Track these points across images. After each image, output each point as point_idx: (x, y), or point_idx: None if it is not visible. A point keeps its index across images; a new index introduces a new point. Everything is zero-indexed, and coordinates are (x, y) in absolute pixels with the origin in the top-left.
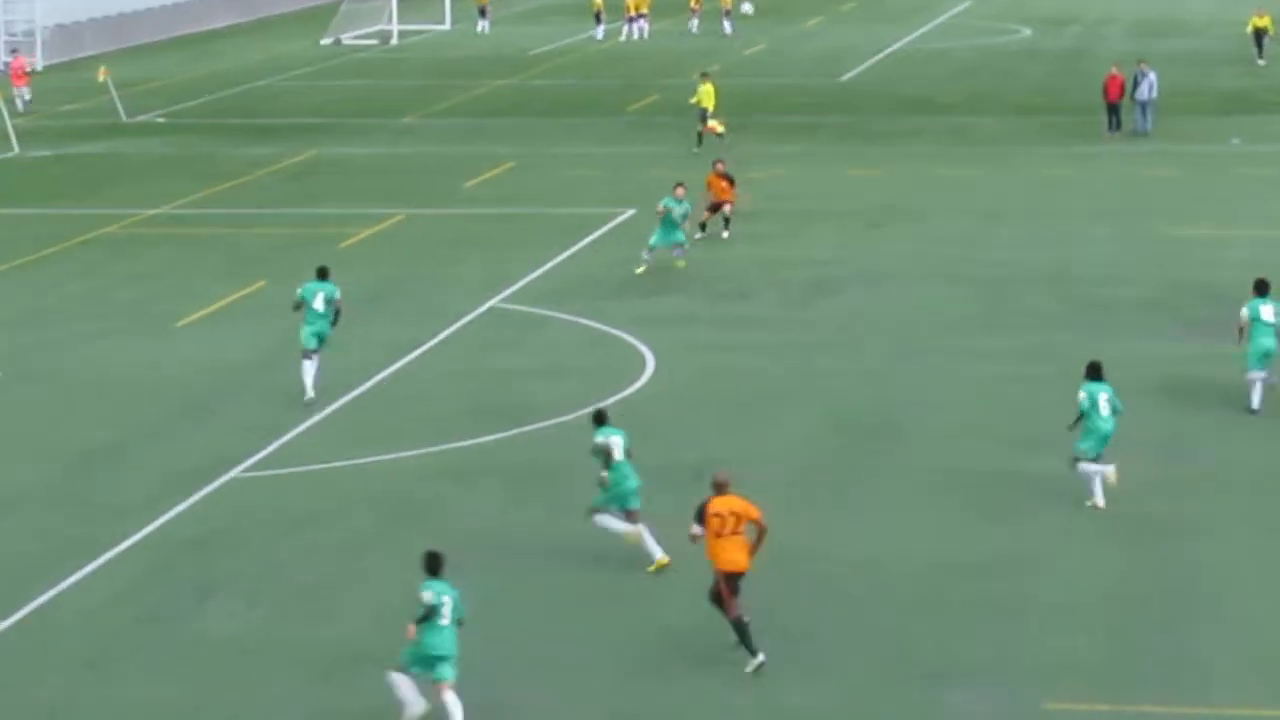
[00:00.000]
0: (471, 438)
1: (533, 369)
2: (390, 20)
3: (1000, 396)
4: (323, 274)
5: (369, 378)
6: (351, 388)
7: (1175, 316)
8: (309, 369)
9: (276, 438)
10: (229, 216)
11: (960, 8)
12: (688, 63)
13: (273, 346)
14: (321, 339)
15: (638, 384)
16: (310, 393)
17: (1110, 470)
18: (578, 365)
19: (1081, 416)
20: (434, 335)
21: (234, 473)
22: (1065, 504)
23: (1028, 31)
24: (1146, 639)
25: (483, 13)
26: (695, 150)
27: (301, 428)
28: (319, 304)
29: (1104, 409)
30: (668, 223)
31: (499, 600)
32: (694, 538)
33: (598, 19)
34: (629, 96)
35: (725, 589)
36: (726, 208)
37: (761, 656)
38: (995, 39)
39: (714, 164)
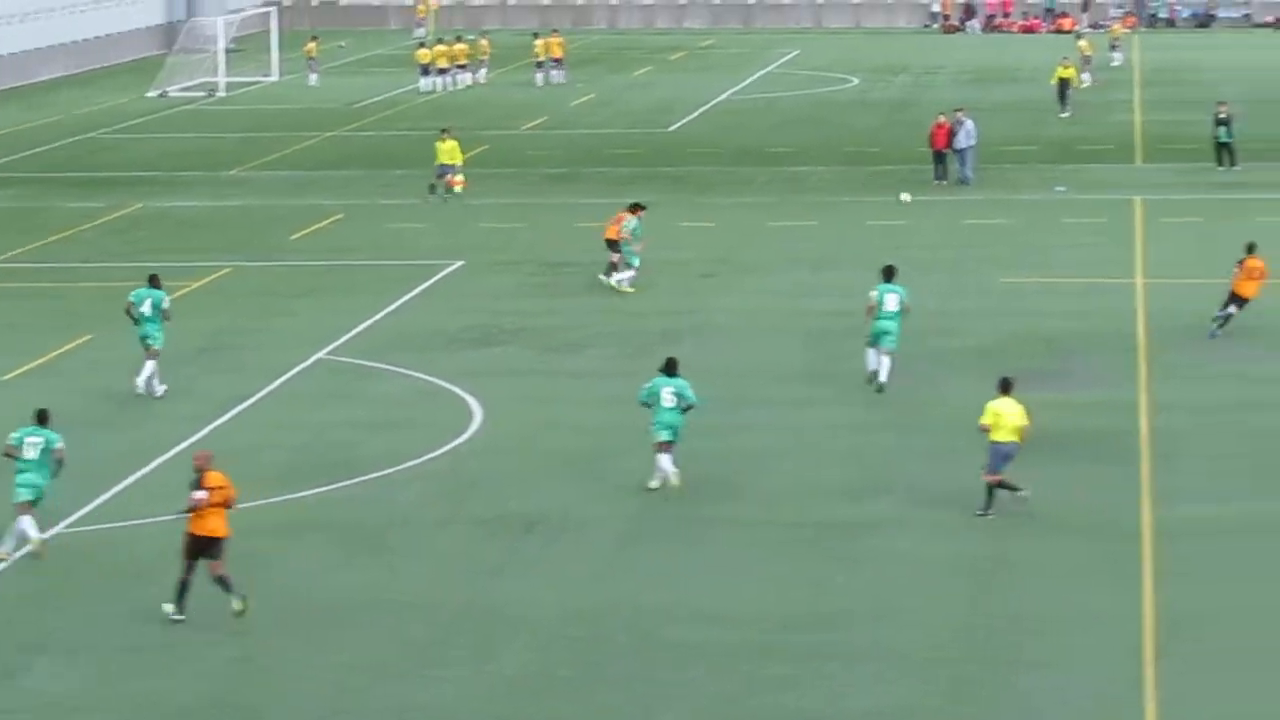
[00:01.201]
0: (299, 491)
1: (361, 422)
2: (217, 72)
3: (834, 447)
4: (153, 281)
5: (196, 431)
6: (178, 441)
7: (1006, 365)
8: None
9: (103, 492)
10: (57, 270)
11: (788, 57)
12: (518, 114)
13: (99, 401)
14: (148, 340)
15: (465, 436)
16: (142, 388)
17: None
18: (406, 418)
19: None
20: (262, 388)
21: (60, 528)
22: (903, 552)
23: (856, 81)
24: (982, 686)
25: (311, 65)
26: (439, 197)
27: (128, 481)
28: (147, 309)
29: (667, 400)
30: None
31: (331, 656)
32: (198, 502)
33: (424, 71)
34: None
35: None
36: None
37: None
38: (824, 89)
39: (631, 208)
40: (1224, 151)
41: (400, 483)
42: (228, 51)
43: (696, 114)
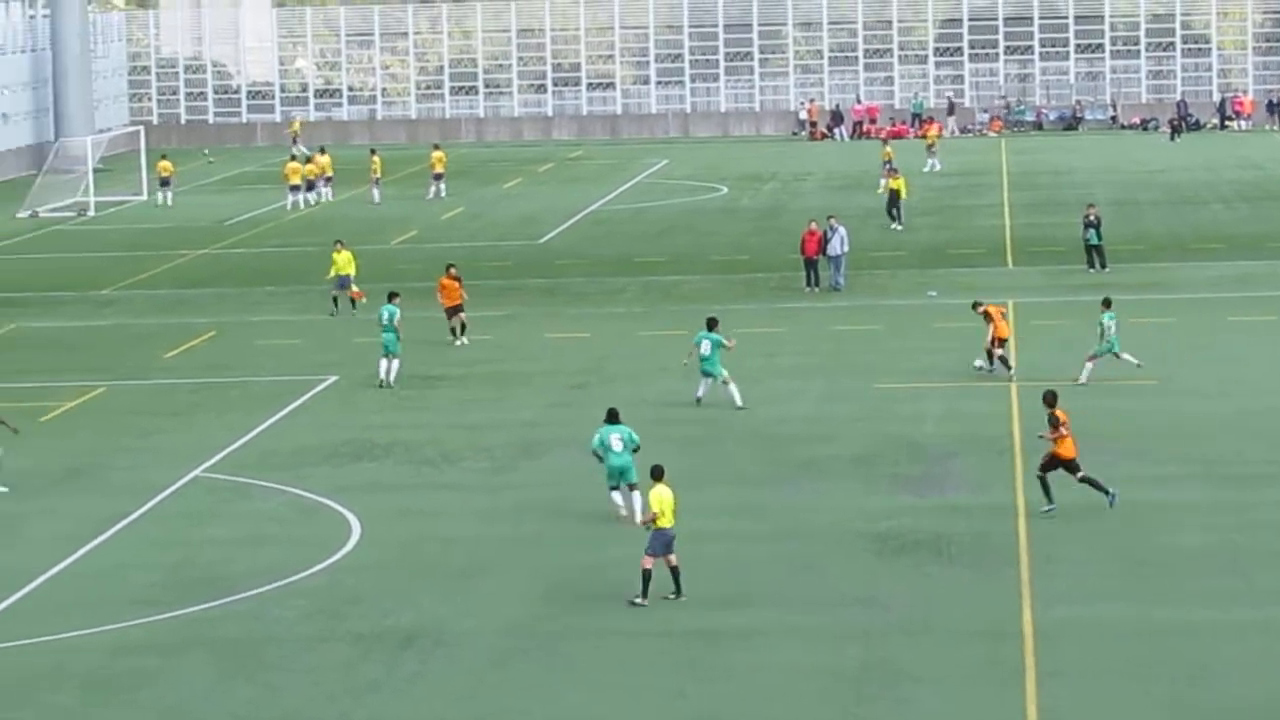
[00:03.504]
0: (176, 610)
1: (237, 538)
2: (87, 192)
3: (706, 553)
4: None
5: (71, 552)
6: (54, 562)
7: (881, 471)
8: None
9: None
10: None
11: (656, 167)
12: (386, 228)
13: None
14: None
15: (344, 551)
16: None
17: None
18: (283, 534)
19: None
20: (137, 507)
21: None
22: (772, 663)
23: (725, 189)
24: None
25: (165, 183)
26: (333, 312)
27: (4, 605)
28: None
29: (615, 445)
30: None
31: None
32: None
33: (294, 189)
34: (326, 263)
35: None
36: (461, 315)
37: None
38: (693, 197)
39: (447, 268)
40: (1094, 253)
41: (278, 599)
42: (96, 171)
43: (567, 225)
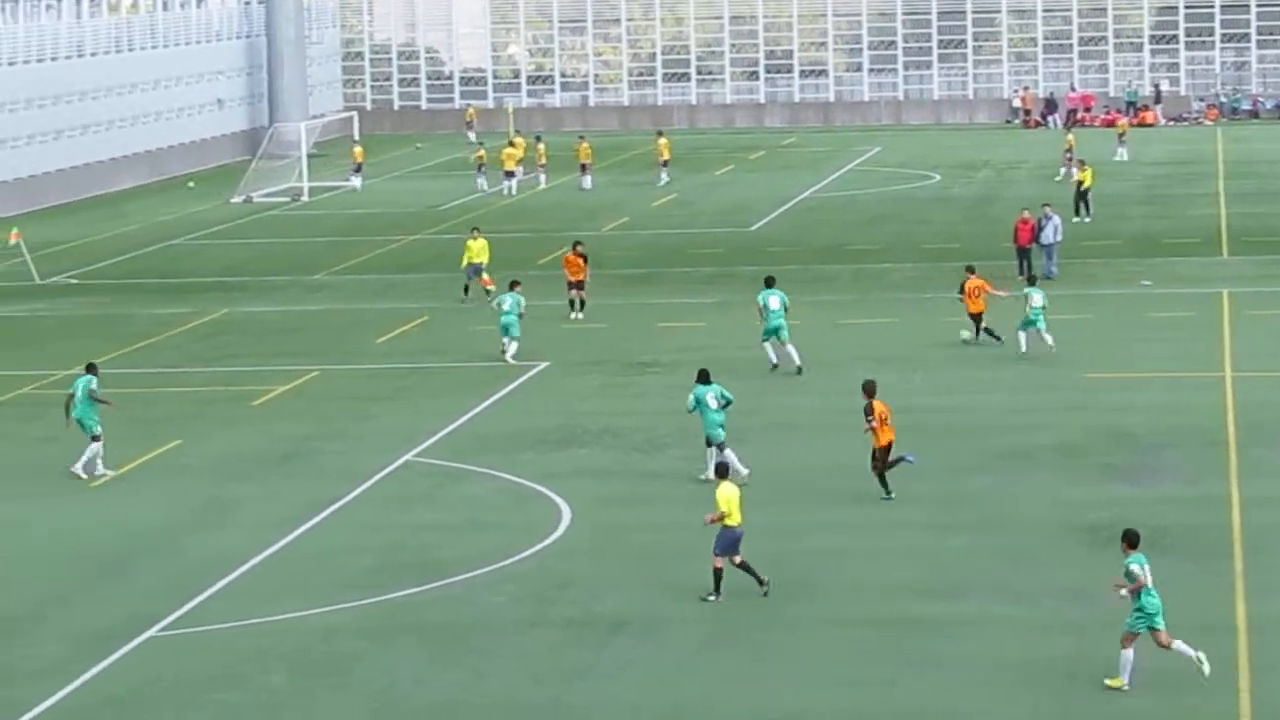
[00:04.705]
0: (387, 594)
1: (447, 523)
2: (301, 177)
3: (910, 545)
4: (89, 368)
5: (283, 535)
6: (266, 545)
7: (1091, 461)
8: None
9: (192, 597)
10: (142, 376)
11: (868, 154)
12: (598, 214)
13: (187, 506)
14: (80, 422)
15: (553, 536)
16: (77, 467)
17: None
18: (493, 519)
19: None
20: (348, 492)
21: (149, 633)
22: (980, 654)
23: (937, 177)
24: None
25: (357, 170)
26: (463, 300)
27: (217, 587)
28: (79, 394)
29: (712, 403)
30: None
31: None
32: None
33: (508, 174)
34: (538, 250)
35: None
36: (582, 291)
37: None
38: (904, 185)
39: (574, 245)
40: None
41: (488, 584)
42: (310, 157)
43: (778, 212)
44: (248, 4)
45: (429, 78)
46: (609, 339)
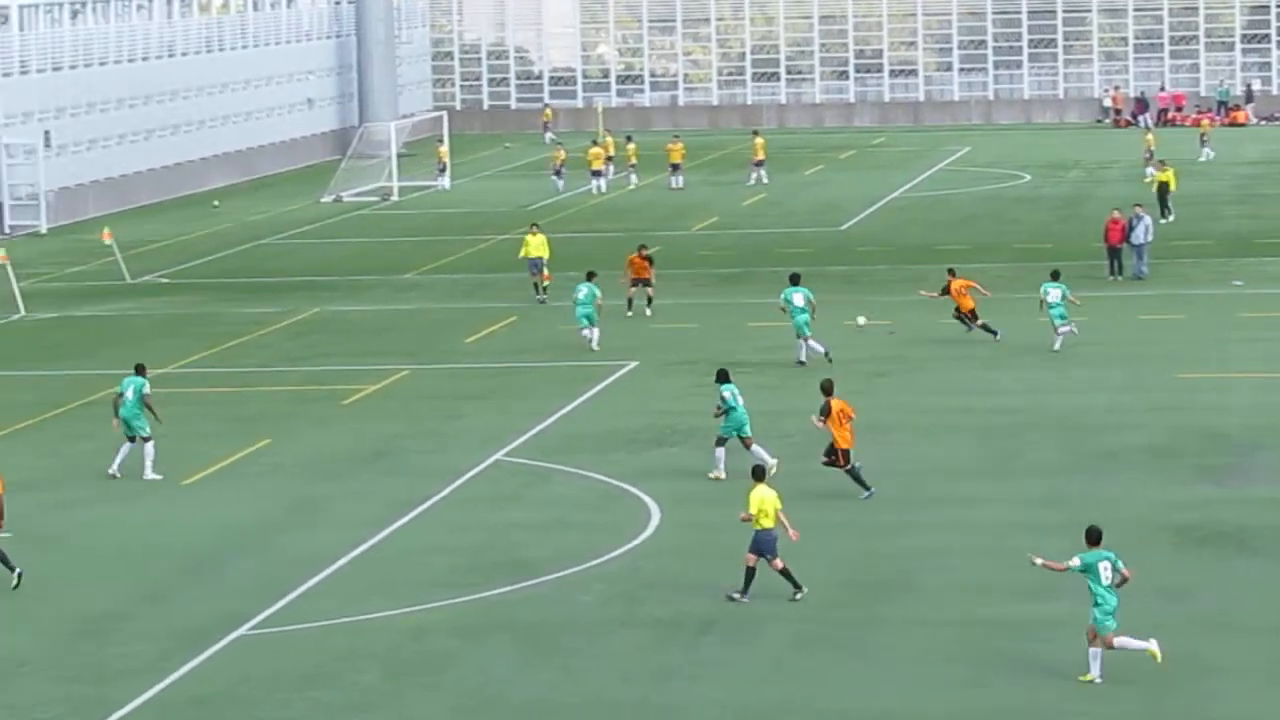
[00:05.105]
0: (478, 593)
1: (538, 522)
2: (390, 177)
3: (1011, 546)
4: (139, 370)
5: (374, 534)
6: (357, 544)
7: (1183, 462)
8: (124, 450)
9: (282, 596)
10: (232, 375)
11: (958, 154)
12: (687, 214)
13: (277, 505)
14: (128, 423)
15: (643, 536)
16: (115, 470)
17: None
18: (582, 519)
19: None
20: (438, 491)
21: (240, 632)
22: (1074, 655)
23: (1027, 177)
24: None
25: (442, 169)
26: (539, 299)
27: (307, 585)
28: (130, 395)
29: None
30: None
31: None
32: None
33: (596, 174)
34: (630, 249)
35: None
36: (649, 289)
37: None
38: (994, 185)
39: (639, 248)
40: None
41: (578, 583)
42: (400, 156)
43: (867, 212)
44: (338, 4)
45: (518, 77)
46: (698, 338)
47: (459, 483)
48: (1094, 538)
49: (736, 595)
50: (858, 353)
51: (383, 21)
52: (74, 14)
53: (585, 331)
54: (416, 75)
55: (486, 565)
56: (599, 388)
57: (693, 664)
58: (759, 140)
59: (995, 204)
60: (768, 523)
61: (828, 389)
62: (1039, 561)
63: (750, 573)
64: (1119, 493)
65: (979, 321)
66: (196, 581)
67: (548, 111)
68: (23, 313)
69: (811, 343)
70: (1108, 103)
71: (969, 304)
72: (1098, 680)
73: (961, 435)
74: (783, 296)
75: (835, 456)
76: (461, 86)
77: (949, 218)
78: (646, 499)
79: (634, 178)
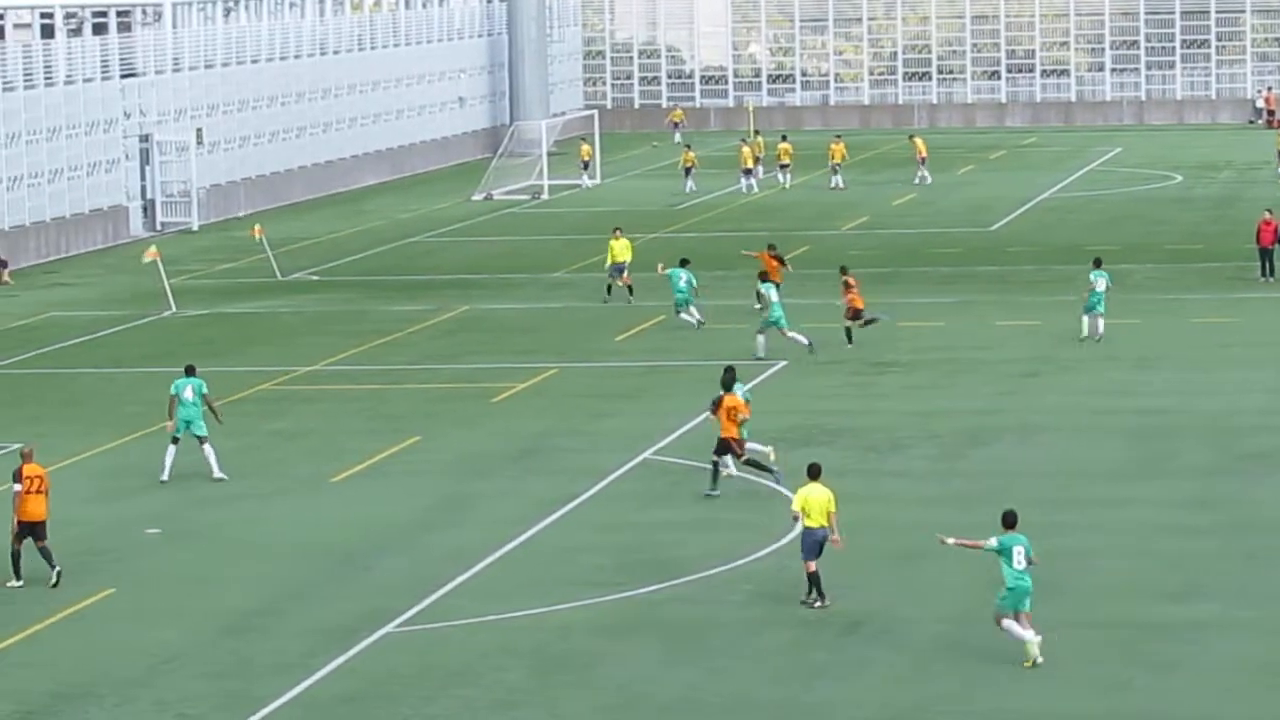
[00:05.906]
0: (624, 592)
1: (685, 521)
2: (541, 175)
3: (1158, 548)
4: (190, 370)
5: (521, 532)
6: (504, 542)
7: None
8: (171, 452)
9: (429, 594)
10: (381, 373)
11: (1109, 154)
12: (838, 213)
13: (425, 502)
14: (189, 424)
15: (789, 537)
16: (165, 475)
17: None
18: (729, 518)
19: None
20: (585, 489)
21: (387, 629)
22: (1221, 657)
23: (1179, 178)
24: None
25: (585, 166)
26: (606, 299)
27: (454, 583)
28: (189, 395)
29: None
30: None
31: None
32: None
33: (747, 173)
34: (779, 249)
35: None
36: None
37: None
38: (1145, 186)
39: (769, 246)
40: None
41: (725, 583)
42: (551, 155)
43: (1018, 213)
44: (489, 2)
45: (669, 76)
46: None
47: (606, 481)
48: (1010, 521)
49: (812, 601)
50: (1009, 353)
51: (534, 20)
52: (227, 12)
53: (684, 314)
54: (568, 74)
55: (633, 564)
56: (747, 387)
57: (840, 664)
58: (919, 141)
59: (1146, 205)
60: (812, 522)
61: (724, 382)
62: (951, 541)
63: (812, 577)
64: (1270, 494)
65: (861, 320)
66: (344, 578)
67: (678, 112)
68: (174, 309)
69: (794, 334)
70: (1260, 103)
71: (861, 303)
72: (1039, 660)
73: (1111, 436)
74: (763, 289)
75: (729, 449)
76: (613, 85)
77: (1099, 219)
78: (793, 498)
79: (786, 177)
